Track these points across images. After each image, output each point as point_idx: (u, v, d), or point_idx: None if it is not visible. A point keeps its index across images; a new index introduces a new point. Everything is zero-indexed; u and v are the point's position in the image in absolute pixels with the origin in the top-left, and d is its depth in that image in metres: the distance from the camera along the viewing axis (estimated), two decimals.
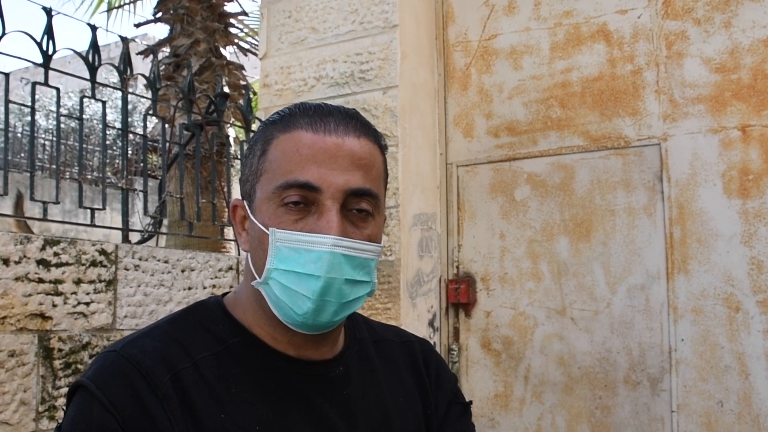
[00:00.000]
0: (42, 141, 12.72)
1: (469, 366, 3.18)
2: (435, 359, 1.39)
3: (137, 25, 7.21)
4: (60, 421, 1.07)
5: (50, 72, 2.79)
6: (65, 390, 2.19)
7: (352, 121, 1.13)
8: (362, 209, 1.11)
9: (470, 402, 1.41)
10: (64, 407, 1.10)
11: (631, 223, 2.88)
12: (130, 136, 4.42)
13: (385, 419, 1.21)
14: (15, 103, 2.87)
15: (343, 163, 1.08)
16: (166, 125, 3.42)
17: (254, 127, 3.52)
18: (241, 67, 7.21)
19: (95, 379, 1.04)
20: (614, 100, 2.95)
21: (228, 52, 7.23)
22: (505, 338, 3.10)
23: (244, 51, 7.65)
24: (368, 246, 1.11)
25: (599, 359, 2.89)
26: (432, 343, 3.14)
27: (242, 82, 6.95)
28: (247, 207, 1.16)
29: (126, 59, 3.05)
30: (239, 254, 3.28)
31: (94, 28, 2.96)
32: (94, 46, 2.93)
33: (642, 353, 2.81)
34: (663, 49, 2.88)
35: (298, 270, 1.06)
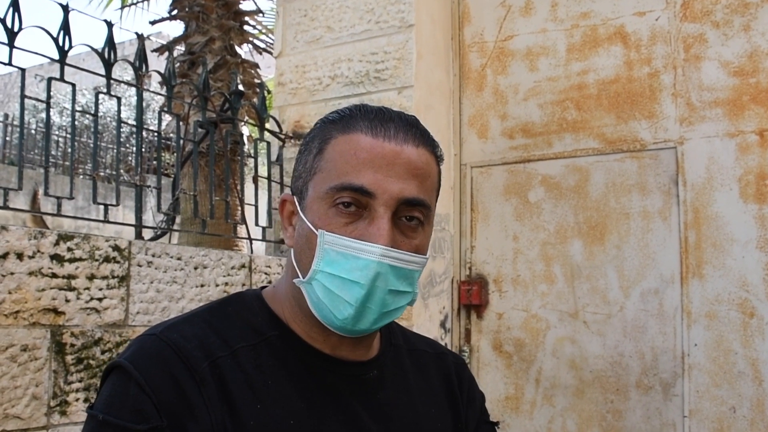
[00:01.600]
0: (56, 138, 12.78)
1: (480, 368, 3.17)
2: (468, 376, 1.39)
3: (152, 23, 7.21)
4: (92, 401, 1.06)
5: (67, 69, 2.79)
6: (77, 385, 2.19)
7: (412, 129, 1.12)
8: (414, 218, 1.10)
9: (497, 423, 1.41)
10: (98, 388, 1.09)
11: (646, 227, 2.86)
12: (144, 133, 4.43)
13: (417, 427, 1.21)
14: (31, 98, 2.88)
15: (400, 171, 1.07)
16: (181, 122, 3.42)
17: (269, 125, 3.52)
18: (256, 66, 7.20)
19: (133, 360, 1.04)
20: (630, 103, 2.94)
21: (243, 51, 7.23)
22: (517, 340, 3.09)
23: (259, 50, 7.65)
24: (415, 258, 1.10)
25: (611, 363, 2.88)
26: (444, 345, 3.14)
27: (257, 81, 6.95)
28: (297, 203, 1.15)
29: (142, 56, 3.05)
30: (251, 252, 3.28)
31: (110, 25, 2.95)
32: (110, 42, 2.93)
33: (655, 358, 2.79)
34: (681, 51, 2.86)
35: (343, 275, 1.05)
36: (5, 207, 2.60)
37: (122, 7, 8.87)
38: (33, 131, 12.50)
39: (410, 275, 1.10)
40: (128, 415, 0.99)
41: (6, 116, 12.88)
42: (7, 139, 12.69)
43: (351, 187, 1.06)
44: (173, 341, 1.06)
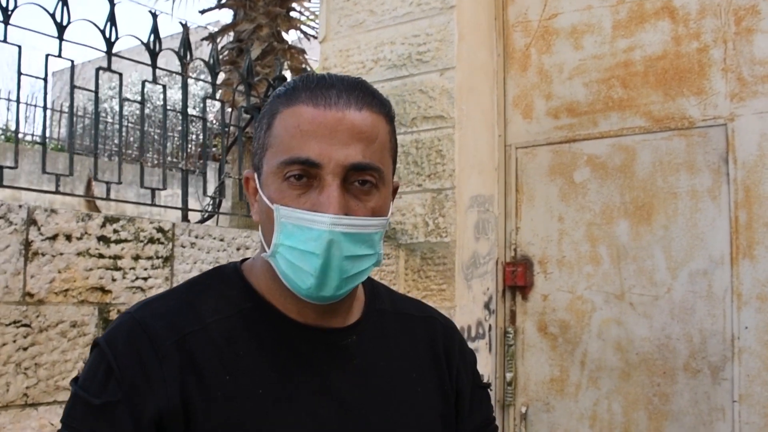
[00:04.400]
0: (122, 126, 13.03)
1: (525, 349, 3.14)
2: (458, 339, 1.38)
3: (202, 12, 7.31)
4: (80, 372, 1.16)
5: (120, 61, 2.87)
6: None
7: (354, 92, 1.11)
8: (366, 182, 1.10)
9: (489, 385, 1.41)
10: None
11: (695, 207, 2.79)
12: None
13: (393, 392, 1.21)
14: (81, 88, 2.96)
15: (343, 138, 1.08)
16: (229, 109, 3.47)
17: None
18: (303, 51, 7.25)
19: (108, 338, 1.12)
20: (678, 80, 2.86)
21: (291, 37, 7.29)
22: (562, 322, 3.06)
23: (307, 35, 7.69)
24: (370, 221, 1.11)
25: (658, 345, 2.82)
26: (488, 326, 3.13)
27: (304, 66, 6.99)
28: (256, 179, 1.17)
29: (186, 44, 3.10)
30: None
31: (155, 15, 3.01)
32: (155, 32, 3.00)
33: (703, 340, 2.73)
34: (731, 25, 2.77)
35: (300, 247, 1.08)
36: (57, 191, 2.69)
37: None
38: (109, 121, 12.77)
39: (368, 238, 1.11)
40: (94, 389, 1.08)
41: (64, 106, 13.19)
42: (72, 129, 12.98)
43: (298, 160, 1.07)
44: (143, 320, 1.12)
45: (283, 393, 1.11)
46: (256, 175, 1.18)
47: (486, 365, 3.13)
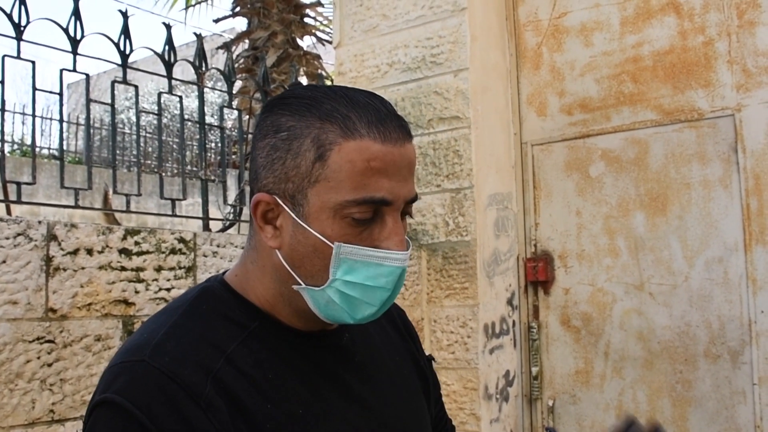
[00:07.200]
0: (143, 137, 13.16)
1: (549, 343, 3.21)
2: (408, 319, 1.40)
3: (216, 21, 7.40)
4: None
5: (136, 73, 2.92)
6: None
7: (401, 121, 1.08)
8: (406, 213, 1.10)
9: (432, 357, 1.43)
10: (84, 424, 0.98)
11: (707, 196, 2.85)
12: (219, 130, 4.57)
13: (392, 380, 1.24)
14: (96, 101, 3.01)
15: (405, 173, 1.06)
16: (246, 117, 3.55)
17: None
18: (318, 57, 7.32)
19: (129, 395, 0.94)
20: (686, 73, 2.92)
21: (305, 43, 7.36)
22: (584, 315, 3.12)
23: (322, 41, 7.76)
24: (411, 251, 1.12)
25: (679, 333, 2.88)
26: (512, 322, 3.20)
27: (320, 71, 7.07)
28: (286, 207, 1.07)
29: (201, 54, 3.18)
30: None
31: (168, 27, 3.09)
32: (170, 44, 3.07)
33: (722, 326, 2.79)
34: (734, 18, 2.83)
35: (367, 283, 1.05)
36: (76, 206, 2.73)
37: (186, 8, 9.07)
38: (127, 132, 12.84)
39: None
40: None
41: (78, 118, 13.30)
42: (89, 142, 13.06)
43: (372, 200, 1.03)
44: (167, 368, 0.97)
45: (320, 408, 1.08)
46: (281, 201, 1.07)
47: (511, 360, 3.20)
